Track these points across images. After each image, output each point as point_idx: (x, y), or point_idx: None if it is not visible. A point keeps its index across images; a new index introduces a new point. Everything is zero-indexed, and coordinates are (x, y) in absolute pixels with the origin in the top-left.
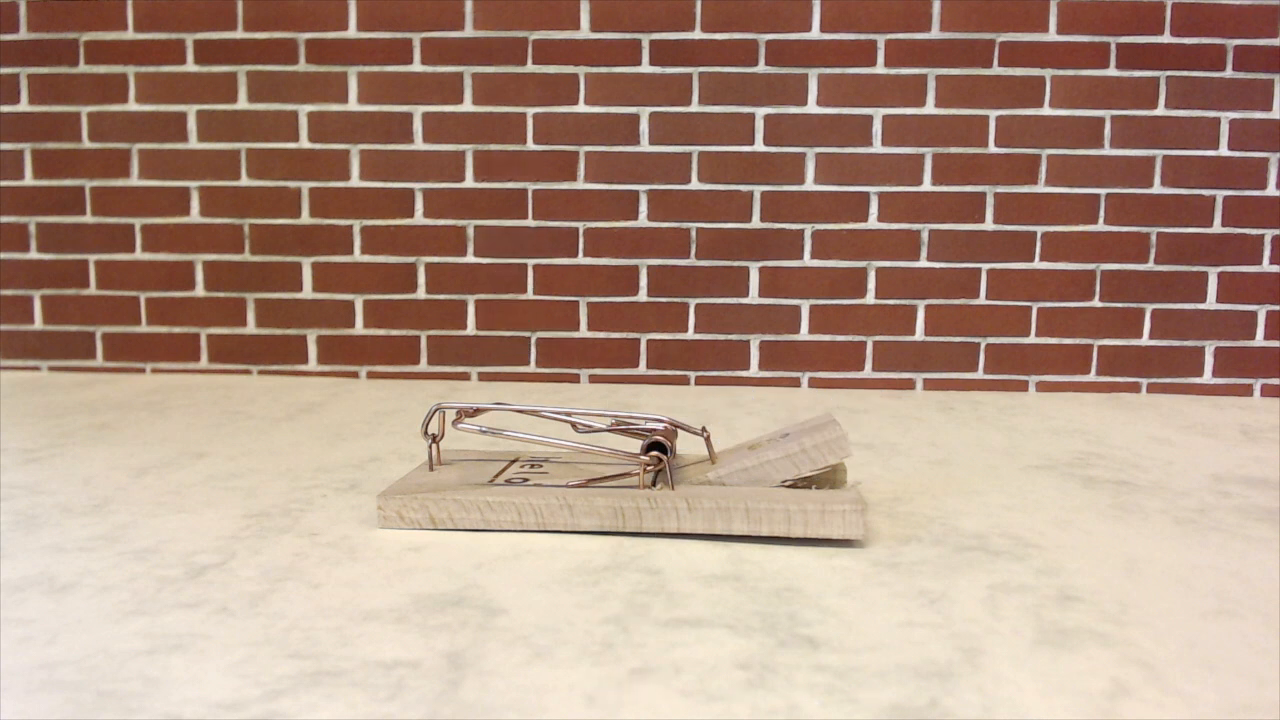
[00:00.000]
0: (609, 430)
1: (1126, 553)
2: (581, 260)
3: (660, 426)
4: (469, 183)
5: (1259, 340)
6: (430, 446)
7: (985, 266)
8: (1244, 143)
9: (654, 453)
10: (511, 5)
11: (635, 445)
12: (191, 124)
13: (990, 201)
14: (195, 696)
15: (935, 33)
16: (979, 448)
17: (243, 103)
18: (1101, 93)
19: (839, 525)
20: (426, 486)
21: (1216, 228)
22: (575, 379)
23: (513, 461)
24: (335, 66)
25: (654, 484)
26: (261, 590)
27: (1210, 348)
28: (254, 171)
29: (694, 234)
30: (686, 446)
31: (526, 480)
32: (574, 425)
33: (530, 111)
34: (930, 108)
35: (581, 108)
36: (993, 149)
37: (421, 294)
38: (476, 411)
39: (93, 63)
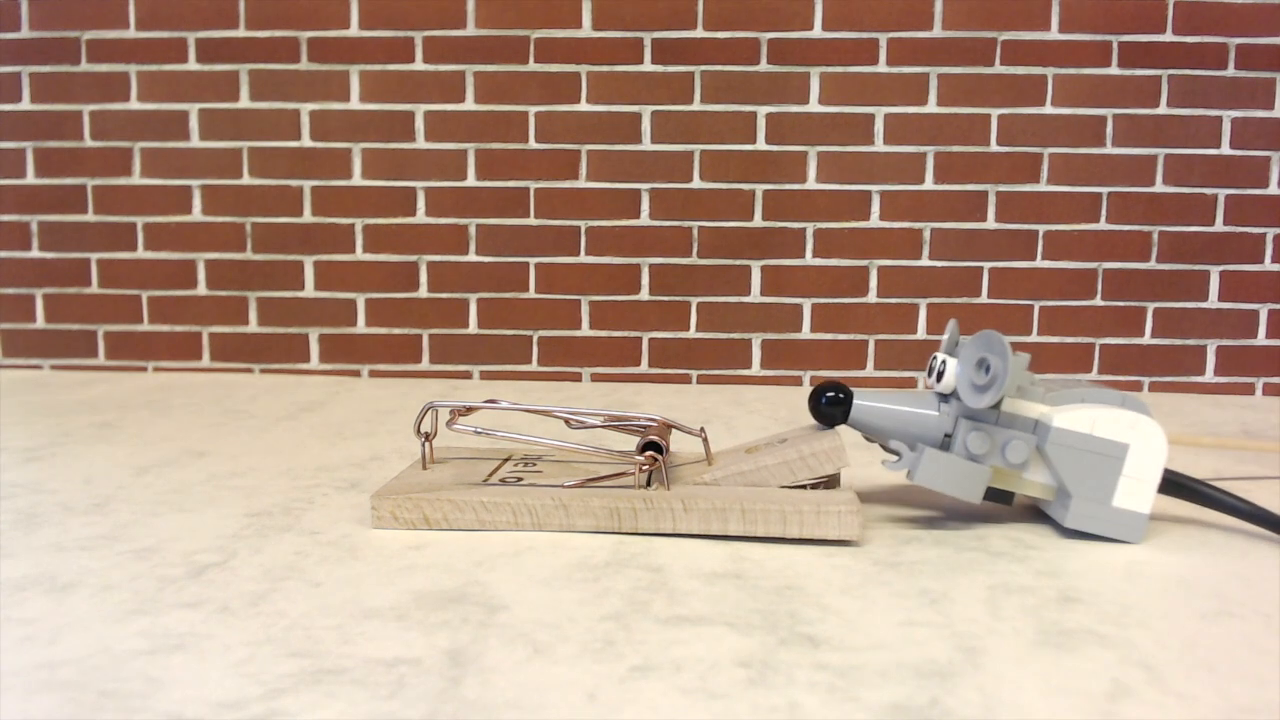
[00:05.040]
0: (603, 428)
1: (1126, 553)
2: (583, 259)
3: (654, 424)
4: (471, 181)
5: (1261, 339)
6: (423, 445)
7: (987, 265)
8: (1246, 141)
9: (649, 452)
10: (513, 4)
11: (630, 444)
12: (193, 122)
13: (992, 200)
14: (196, 696)
15: (937, 31)
16: None
17: (245, 101)
18: (1103, 91)
19: (834, 526)
20: (421, 486)
21: (1218, 226)
22: (577, 378)
23: (506, 459)
24: (337, 65)
25: (649, 483)
26: (262, 589)
27: (1212, 346)
28: (256, 170)
29: (696, 233)
30: (683, 446)
31: (520, 479)
32: (567, 422)
33: (532, 110)
34: (932, 106)
35: (583, 106)
36: (995, 148)
37: (423, 293)
38: (469, 410)
39: (94, 61)
